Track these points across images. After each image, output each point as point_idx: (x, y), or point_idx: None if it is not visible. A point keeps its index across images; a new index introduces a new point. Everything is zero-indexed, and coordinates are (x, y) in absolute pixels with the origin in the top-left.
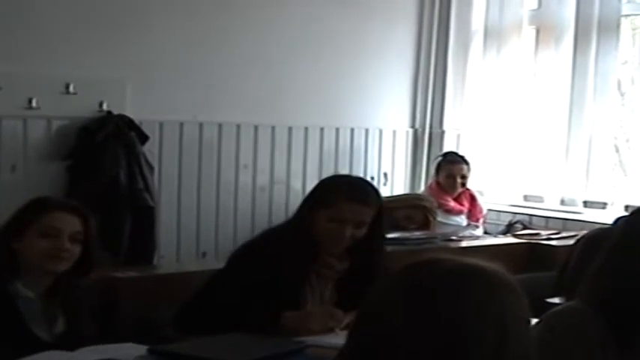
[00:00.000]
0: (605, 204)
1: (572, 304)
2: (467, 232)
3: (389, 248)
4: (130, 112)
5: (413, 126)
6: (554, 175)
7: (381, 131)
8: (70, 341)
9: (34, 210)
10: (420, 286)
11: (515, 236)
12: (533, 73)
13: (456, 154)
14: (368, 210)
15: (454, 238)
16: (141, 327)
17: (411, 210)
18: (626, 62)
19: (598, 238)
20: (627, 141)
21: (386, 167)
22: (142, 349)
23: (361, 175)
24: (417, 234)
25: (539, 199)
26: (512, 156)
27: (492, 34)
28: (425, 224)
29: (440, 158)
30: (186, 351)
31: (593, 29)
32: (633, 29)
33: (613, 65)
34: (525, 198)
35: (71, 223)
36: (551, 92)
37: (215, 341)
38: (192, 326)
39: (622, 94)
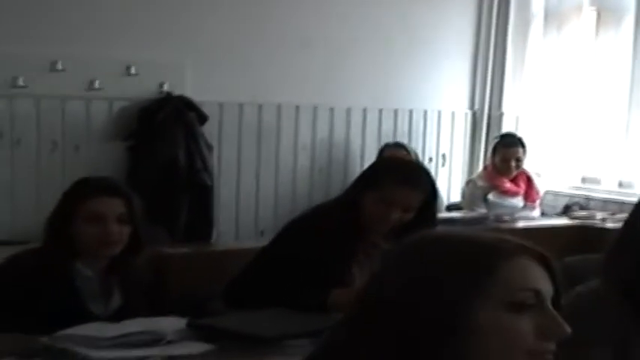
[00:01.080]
0: None
1: (593, 286)
2: (523, 214)
3: (439, 228)
4: (190, 94)
5: (472, 108)
6: (612, 157)
7: (439, 113)
8: (123, 317)
9: (76, 196)
10: (407, 250)
11: (570, 218)
12: (594, 55)
13: (513, 135)
14: (417, 195)
15: (508, 218)
16: (190, 302)
17: None
18: None
19: None
20: None
21: (444, 149)
22: (182, 323)
23: (420, 155)
24: (470, 214)
25: (597, 182)
26: (570, 138)
27: (552, 16)
28: None
29: (496, 140)
30: (223, 324)
31: None
32: None
33: None
34: (583, 180)
35: (114, 206)
36: (611, 74)
37: (253, 316)
38: (240, 300)
39: None
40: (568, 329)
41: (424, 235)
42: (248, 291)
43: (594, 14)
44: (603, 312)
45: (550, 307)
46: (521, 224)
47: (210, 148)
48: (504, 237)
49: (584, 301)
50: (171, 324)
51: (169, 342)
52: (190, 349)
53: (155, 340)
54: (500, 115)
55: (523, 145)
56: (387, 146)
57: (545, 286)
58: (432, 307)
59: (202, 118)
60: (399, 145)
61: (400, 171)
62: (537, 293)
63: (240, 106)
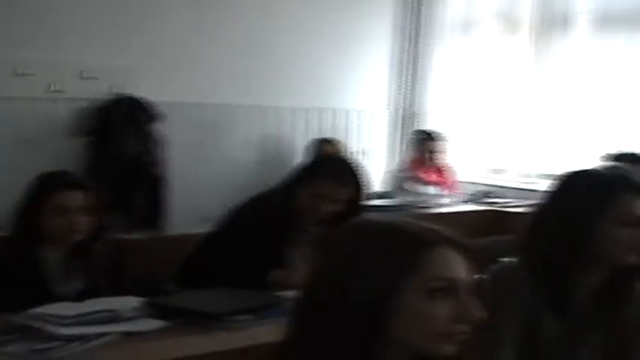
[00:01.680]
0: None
1: (509, 263)
2: (438, 201)
3: (367, 215)
4: (141, 94)
5: (391, 107)
6: (518, 150)
7: (360, 112)
8: (86, 298)
9: (43, 190)
10: (340, 238)
11: (481, 204)
12: (498, 58)
13: (426, 131)
14: (345, 190)
15: (425, 205)
16: (147, 284)
17: None
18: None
19: None
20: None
21: (366, 144)
22: (139, 302)
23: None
24: (393, 201)
25: (506, 172)
26: (480, 133)
27: (461, 23)
28: None
29: (413, 135)
30: (175, 303)
31: (549, 20)
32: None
33: (568, 51)
34: (494, 171)
35: (78, 199)
36: (514, 76)
37: (202, 295)
38: (190, 281)
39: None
40: (480, 314)
41: (355, 224)
42: (197, 272)
43: (498, 22)
44: (518, 284)
45: (466, 293)
46: (437, 210)
47: (160, 143)
48: (429, 227)
49: (501, 274)
50: (128, 303)
51: (127, 320)
52: (146, 326)
53: (113, 317)
54: (415, 114)
55: (438, 139)
56: (320, 142)
57: (462, 274)
58: (361, 292)
59: (153, 117)
60: (327, 141)
61: (331, 168)
62: (454, 281)
63: (189, 105)
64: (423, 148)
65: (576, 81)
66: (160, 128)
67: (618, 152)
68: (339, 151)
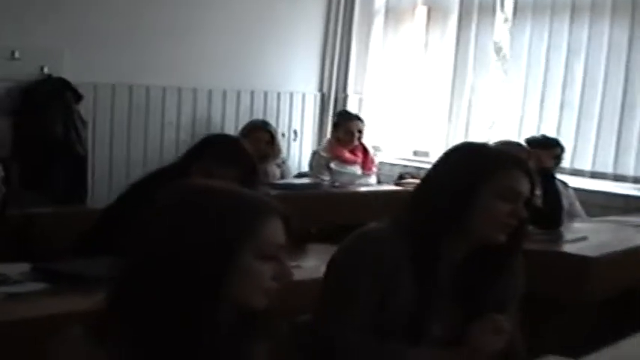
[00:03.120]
0: None
1: (380, 226)
2: (362, 181)
3: (274, 192)
4: (67, 76)
5: (320, 90)
6: (439, 133)
7: (291, 94)
8: None
9: None
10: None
11: (401, 184)
12: (425, 45)
13: (350, 112)
14: (232, 170)
15: (340, 185)
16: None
17: None
18: (506, 20)
19: None
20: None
21: (296, 125)
22: (28, 267)
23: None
24: (305, 181)
25: (426, 154)
26: (404, 118)
27: (392, 11)
28: None
29: (338, 116)
30: (56, 267)
31: (474, 10)
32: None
33: (490, 41)
34: (415, 153)
35: None
36: (439, 63)
37: (87, 261)
38: (84, 250)
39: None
40: (291, 276)
41: (194, 185)
42: (88, 242)
43: (425, 11)
44: (382, 250)
45: (284, 258)
46: (360, 189)
47: (84, 123)
48: (262, 197)
49: (365, 238)
50: (18, 268)
51: (14, 283)
52: (28, 288)
53: (2, 280)
54: (346, 96)
55: (361, 120)
56: (251, 123)
57: (284, 242)
58: (200, 255)
59: (78, 97)
60: (263, 124)
61: (221, 149)
62: (280, 247)
63: (113, 86)
64: (351, 127)
65: (499, 67)
66: (87, 109)
67: (531, 136)
68: (272, 134)
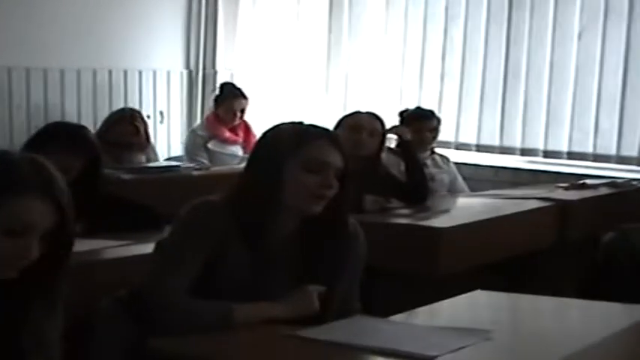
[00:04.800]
0: None
1: (213, 198)
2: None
3: (128, 176)
4: None
5: (187, 67)
6: (316, 108)
7: (155, 72)
8: None
9: None
10: None
11: None
12: (296, 15)
13: (234, 88)
14: (73, 158)
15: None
16: None
17: None
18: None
19: None
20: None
21: (161, 106)
22: None
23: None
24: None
25: None
26: (280, 92)
27: None
28: None
29: (217, 92)
30: None
31: None
32: None
33: (365, 7)
34: None
35: None
36: (313, 32)
37: None
38: None
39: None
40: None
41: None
42: None
43: None
44: (211, 217)
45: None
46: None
47: None
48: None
49: (198, 206)
50: None
51: None
52: None
53: None
54: (215, 72)
55: (245, 97)
56: (115, 114)
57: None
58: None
59: None
60: (130, 117)
61: (61, 138)
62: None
63: None
64: (232, 107)
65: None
66: None
67: (405, 108)
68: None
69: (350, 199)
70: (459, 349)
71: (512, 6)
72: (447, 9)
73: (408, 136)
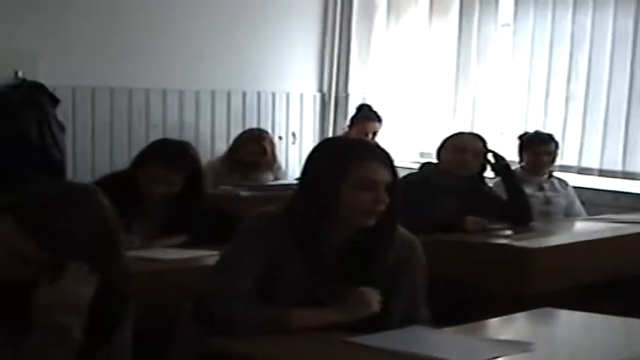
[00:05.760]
0: None
1: (271, 211)
2: None
3: (246, 194)
4: (43, 79)
5: (320, 90)
6: (443, 134)
7: (288, 94)
8: None
9: None
10: None
11: None
12: (427, 40)
13: (370, 109)
14: (175, 173)
15: None
16: None
17: None
18: (505, 25)
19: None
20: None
21: (294, 128)
22: None
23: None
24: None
25: (431, 156)
26: (409, 116)
27: (393, 4)
28: None
29: (355, 112)
30: None
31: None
32: None
33: (494, 32)
34: (421, 155)
35: None
36: (442, 58)
37: None
38: None
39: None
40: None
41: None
42: None
43: (427, 2)
44: (268, 231)
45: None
46: None
47: (62, 127)
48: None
49: (254, 220)
50: None
51: None
52: None
53: None
54: (347, 95)
55: (380, 120)
56: (245, 134)
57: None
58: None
59: (55, 101)
60: (257, 136)
61: (162, 154)
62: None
63: (92, 89)
64: (364, 129)
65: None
66: (66, 113)
67: (524, 132)
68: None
69: (398, 208)
70: (493, 358)
71: (637, 32)
72: (572, 34)
73: (538, 159)
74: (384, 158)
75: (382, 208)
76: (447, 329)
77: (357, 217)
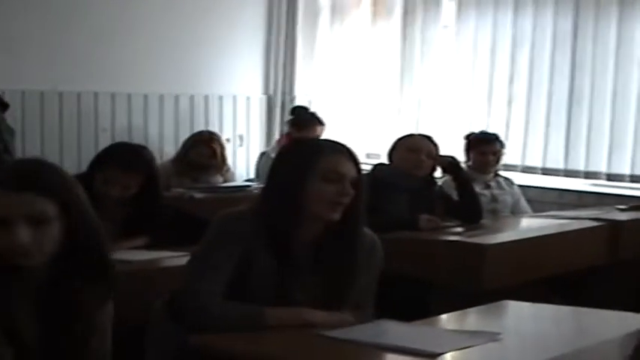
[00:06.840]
0: None
1: (242, 209)
2: None
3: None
4: None
5: (266, 92)
6: (389, 133)
7: (235, 97)
8: None
9: None
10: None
11: None
12: (371, 42)
13: (312, 114)
14: (131, 175)
15: None
16: None
17: None
18: (446, 27)
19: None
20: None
21: (241, 130)
22: None
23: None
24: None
25: (378, 157)
26: (355, 118)
27: (337, 7)
28: None
29: (295, 116)
30: None
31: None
32: None
33: (436, 34)
34: (367, 156)
35: None
36: (386, 59)
37: None
38: None
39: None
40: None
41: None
42: None
43: (369, 5)
44: (240, 226)
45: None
46: None
47: (12, 132)
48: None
49: (226, 216)
50: None
51: None
52: None
53: None
54: (293, 98)
55: (323, 124)
56: (195, 136)
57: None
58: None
59: (3, 105)
60: (207, 139)
61: (118, 157)
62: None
63: (41, 93)
64: (313, 133)
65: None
66: (15, 117)
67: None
68: (216, 142)
69: (363, 205)
70: (465, 347)
71: (576, 34)
72: (513, 36)
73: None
74: (350, 154)
75: (347, 200)
76: (414, 322)
77: (322, 209)
